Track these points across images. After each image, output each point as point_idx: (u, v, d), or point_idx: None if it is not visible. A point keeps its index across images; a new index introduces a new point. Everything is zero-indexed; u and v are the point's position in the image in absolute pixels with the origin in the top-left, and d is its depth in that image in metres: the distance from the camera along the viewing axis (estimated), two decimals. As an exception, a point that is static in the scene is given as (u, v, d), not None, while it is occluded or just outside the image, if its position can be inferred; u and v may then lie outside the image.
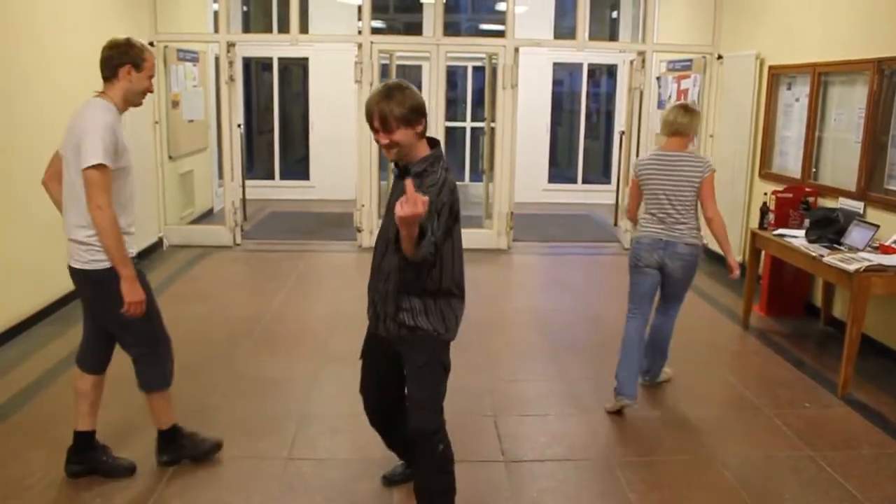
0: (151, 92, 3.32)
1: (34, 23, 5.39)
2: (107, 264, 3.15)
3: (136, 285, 3.15)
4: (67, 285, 5.77)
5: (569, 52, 10.98)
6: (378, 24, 11.75)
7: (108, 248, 3.09)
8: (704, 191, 4.12)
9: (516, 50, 7.86)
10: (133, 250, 3.25)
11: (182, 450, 3.53)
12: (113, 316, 3.20)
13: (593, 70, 11.99)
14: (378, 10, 11.73)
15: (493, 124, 8.26)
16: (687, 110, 4.23)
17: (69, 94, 5.94)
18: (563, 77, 12.21)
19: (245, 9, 11.77)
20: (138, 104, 3.30)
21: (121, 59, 3.14)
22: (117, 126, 3.10)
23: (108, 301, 3.17)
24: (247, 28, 11.68)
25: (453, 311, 2.96)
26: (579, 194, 11.79)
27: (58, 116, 5.73)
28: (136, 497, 3.29)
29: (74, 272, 3.24)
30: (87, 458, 3.41)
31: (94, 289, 3.23)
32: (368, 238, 8.16)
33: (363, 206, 8.10)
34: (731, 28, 7.67)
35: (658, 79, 9.38)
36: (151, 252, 7.60)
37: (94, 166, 2.98)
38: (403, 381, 2.93)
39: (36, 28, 5.42)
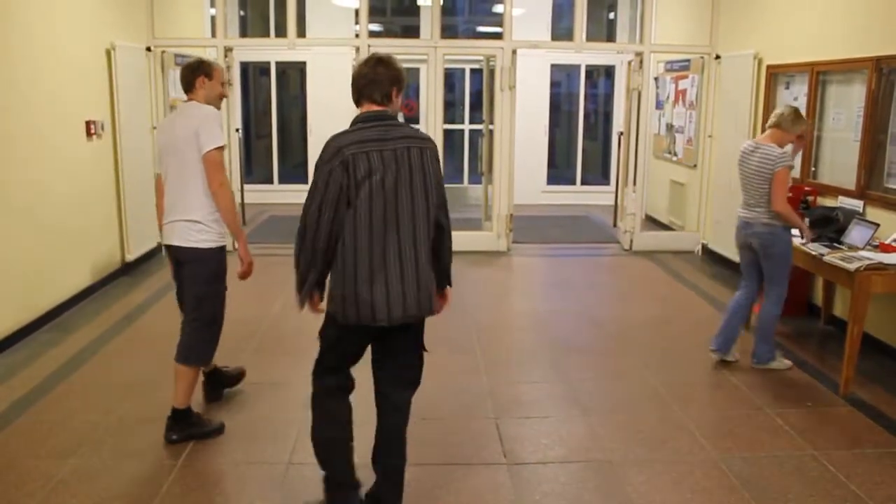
0: (226, 96, 3.92)
1: (30, 28, 5.39)
2: (211, 245, 3.69)
3: (247, 248, 3.77)
4: (66, 292, 5.84)
5: (566, 54, 10.99)
6: (375, 27, 11.76)
7: (229, 220, 3.67)
8: (773, 185, 4.55)
9: (514, 52, 7.86)
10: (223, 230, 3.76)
11: (190, 428, 3.80)
12: (196, 289, 3.74)
13: (591, 71, 12.00)
14: (375, 13, 11.75)
15: (491, 126, 8.26)
16: (794, 111, 4.66)
17: (66, 100, 5.96)
18: (561, 78, 12.22)
19: (242, 13, 11.77)
20: (217, 108, 3.80)
21: (194, 73, 3.73)
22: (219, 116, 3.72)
23: (199, 277, 3.73)
24: (244, 32, 11.69)
25: (343, 293, 2.81)
26: (578, 195, 11.79)
27: (54, 122, 5.76)
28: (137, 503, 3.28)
29: (179, 250, 3.73)
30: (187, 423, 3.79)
31: (192, 265, 3.72)
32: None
33: (362, 209, 8.07)
34: (728, 28, 7.67)
35: (656, 79, 9.39)
36: (150, 257, 7.59)
37: (216, 148, 3.56)
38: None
39: (32, 33, 5.41)
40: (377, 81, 2.83)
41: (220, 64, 3.93)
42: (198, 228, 3.66)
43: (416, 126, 2.80)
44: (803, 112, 6.16)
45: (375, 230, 2.75)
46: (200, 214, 3.64)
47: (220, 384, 4.29)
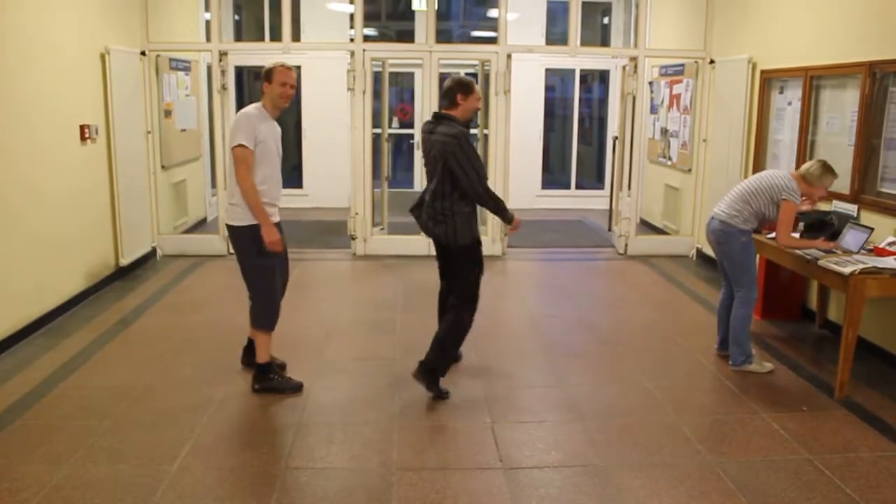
0: (286, 95, 4.37)
1: (24, 32, 5.37)
2: (242, 223, 4.25)
3: (271, 230, 4.27)
4: (60, 296, 5.82)
5: (561, 58, 11.01)
6: (370, 31, 11.76)
7: (250, 205, 4.22)
8: (780, 213, 4.70)
9: (509, 56, 7.87)
10: (276, 219, 4.43)
11: (270, 382, 4.47)
12: (240, 261, 4.39)
13: (586, 76, 12.02)
14: (370, 17, 11.75)
15: (486, 131, 8.26)
16: (822, 167, 4.75)
17: (60, 104, 5.94)
18: (556, 83, 12.23)
19: (237, 17, 11.76)
20: (282, 105, 4.40)
21: (262, 80, 4.32)
22: (255, 121, 4.26)
23: (239, 251, 4.38)
24: (239, 36, 11.67)
25: None
26: (573, 200, 11.80)
27: (48, 126, 5.74)
28: (132, 509, 3.27)
29: (226, 226, 4.44)
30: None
31: (232, 239, 4.39)
32: (363, 246, 8.15)
33: (357, 213, 8.08)
34: (723, 32, 7.70)
35: (650, 84, 9.41)
36: (145, 261, 7.57)
37: (236, 146, 4.18)
38: None
39: (26, 37, 5.39)
40: (445, 94, 4.44)
41: (282, 64, 4.37)
42: (234, 210, 4.29)
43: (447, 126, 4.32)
44: (796, 117, 6.21)
45: (426, 182, 4.51)
46: (237, 198, 4.24)
47: (269, 379, 4.57)
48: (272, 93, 4.31)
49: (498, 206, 4.38)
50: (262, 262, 4.34)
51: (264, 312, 4.44)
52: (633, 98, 8.23)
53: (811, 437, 3.97)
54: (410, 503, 3.32)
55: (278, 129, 4.53)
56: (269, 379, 4.48)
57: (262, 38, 11.21)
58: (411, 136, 12.08)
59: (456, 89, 4.41)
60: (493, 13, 11.21)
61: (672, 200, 9.12)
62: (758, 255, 5.76)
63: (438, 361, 4.41)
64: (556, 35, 11.49)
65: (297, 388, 4.50)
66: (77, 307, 6.09)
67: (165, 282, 6.95)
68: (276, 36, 9.34)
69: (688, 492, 3.44)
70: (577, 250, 8.82)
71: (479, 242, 4.45)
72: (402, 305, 6.32)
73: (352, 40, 8.21)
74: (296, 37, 9.45)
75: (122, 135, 6.96)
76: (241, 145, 4.18)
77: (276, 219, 4.45)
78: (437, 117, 4.45)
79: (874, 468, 3.66)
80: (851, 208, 5.36)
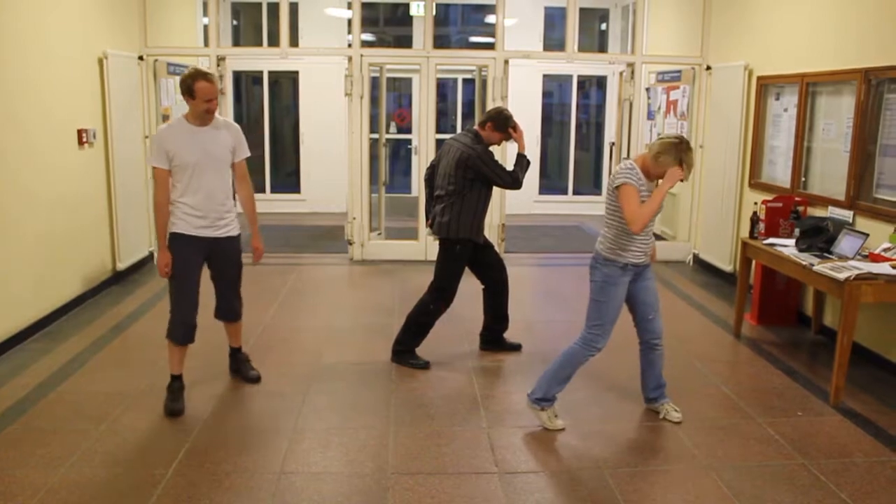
0: (202, 109, 4.15)
1: (22, 37, 5.37)
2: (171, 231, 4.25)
3: (162, 252, 4.19)
4: (57, 301, 5.82)
5: (558, 64, 11.04)
6: (368, 37, 11.79)
7: (155, 223, 4.33)
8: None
9: (506, 62, 7.89)
10: (216, 232, 4.29)
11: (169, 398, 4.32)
12: None
13: (583, 81, 12.04)
14: (368, 23, 11.78)
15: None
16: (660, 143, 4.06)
17: (58, 108, 5.95)
18: (553, 89, 12.26)
19: (235, 22, 11.79)
20: (201, 122, 4.20)
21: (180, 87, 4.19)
22: (167, 137, 4.17)
23: None
24: (237, 42, 11.70)
25: None
26: (570, 205, 11.82)
27: (46, 130, 5.75)
28: (127, 514, 3.26)
29: None
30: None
31: None
32: (360, 251, 8.16)
33: (354, 218, 8.09)
34: (719, 39, 7.73)
35: (647, 90, 9.43)
36: (142, 266, 7.57)
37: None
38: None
39: (24, 42, 5.40)
40: (484, 116, 5.02)
41: (206, 79, 4.12)
42: None
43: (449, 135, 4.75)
44: (792, 123, 6.23)
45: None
46: None
47: (236, 365, 4.78)
48: (195, 108, 4.15)
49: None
50: (174, 271, 4.20)
51: (170, 323, 4.28)
52: (630, 104, 8.26)
53: (806, 443, 3.97)
54: (406, 508, 3.32)
55: (219, 134, 4.24)
56: (172, 390, 4.31)
57: (260, 44, 11.24)
58: (409, 142, 12.10)
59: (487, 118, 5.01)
60: (490, 19, 11.25)
61: (669, 206, 9.13)
62: (753, 262, 5.79)
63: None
64: (553, 41, 11.52)
65: (170, 412, 4.21)
66: (73, 311, 6.09)
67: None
68: (273, 41, 9.35)
69: (683, 496, 3.44)
70: (573, 256, 8.81)
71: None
72: (399, 310, 6.31)
73: (349, 45, 8.22)
74: (294, 42, 9.48)
75: (119, 139, 6.97)
76: (153, 166, 4.21)
77: (218, 232, 4.28)
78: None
79: (869, 473, 3.66)
80: (847, 214, 5.37)
